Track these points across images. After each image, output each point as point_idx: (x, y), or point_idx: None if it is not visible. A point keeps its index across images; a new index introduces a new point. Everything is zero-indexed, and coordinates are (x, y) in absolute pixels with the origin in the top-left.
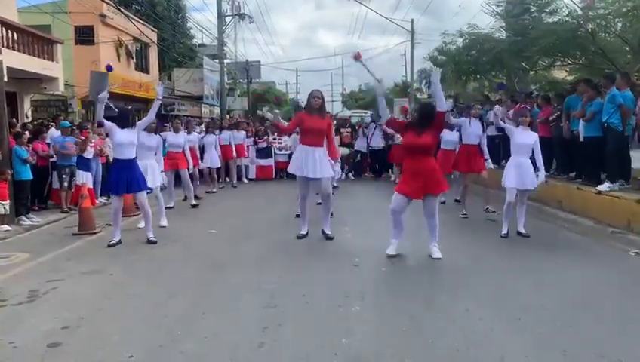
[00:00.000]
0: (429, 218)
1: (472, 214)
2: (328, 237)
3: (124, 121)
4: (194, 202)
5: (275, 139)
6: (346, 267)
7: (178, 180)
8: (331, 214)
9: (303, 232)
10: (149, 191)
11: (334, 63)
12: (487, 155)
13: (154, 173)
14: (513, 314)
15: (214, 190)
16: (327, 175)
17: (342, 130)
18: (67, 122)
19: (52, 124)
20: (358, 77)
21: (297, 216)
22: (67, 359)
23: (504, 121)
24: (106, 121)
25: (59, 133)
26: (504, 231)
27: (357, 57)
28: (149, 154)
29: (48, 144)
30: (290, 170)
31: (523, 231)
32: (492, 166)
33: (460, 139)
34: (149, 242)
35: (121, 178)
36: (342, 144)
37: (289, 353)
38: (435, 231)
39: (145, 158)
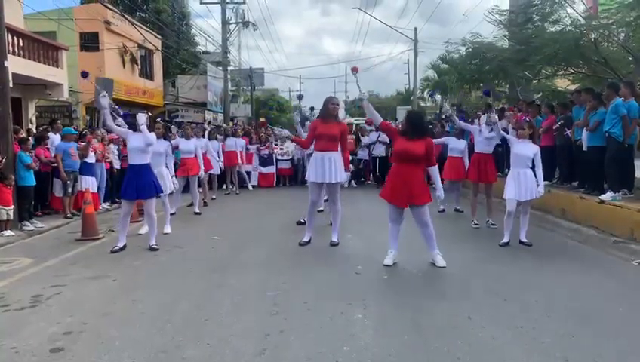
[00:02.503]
0: (422, 227)
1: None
2: (332, 244)
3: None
4: (197, 210)
5: (276, 144)
6: (349, 274)
7: (185, 187)
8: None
9: (306, 239)
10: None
11: (338, 71)
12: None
13: (162, 179)
14: (515, 323)
15: (213, 196)
16: (342, 179)
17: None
18: (71, 128)
19: (48, 128)
20: (361, 84)
21: (298, 223)
22: None
23: (507, 132)
24: (117, 128)
25: (57, 136)
26: (504, 241)
27: (354, 71)
28: (159, 160)
29: (49, 149)
30: (308, 178)
31: (525, 240)
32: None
33: (469, 148)
34: (151, 249)
35: (131, 183)
36: None
37: (291, 360)
38: (431, 239)
39: (154, 165)
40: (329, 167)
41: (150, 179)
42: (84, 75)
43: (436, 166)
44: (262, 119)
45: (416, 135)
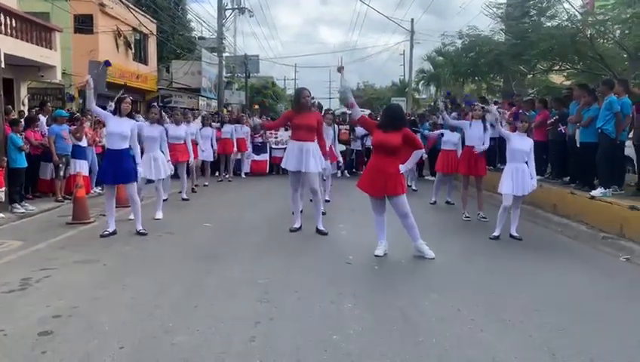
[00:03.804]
0: (402, 218)
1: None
2: (322, 233)
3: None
4: (185, 196)
5: (270, 133)
6: (340, 264)
7: (175, 172)
8: (323, 213)
9: (296, 226)
10: (149, 182)
11: (334, 60)
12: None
13: (157, 165)
14: (504, 316)
15: (206, 183)
16: (313, 169)
17: (340, 127)
18: (62, 110)
19: (38, 109)
20: (358, 74)
21: (293, 213)
22: (58, 348)
23: (501, 125)
24: (98, 109)
25: (46, 119)
26: (495, 234)
27: (340, 70)
28: (153, 145)
29: (40, 132)
30: (283, 164)
31: (516, 234)
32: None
33: (463, 141)
34: (139, 234)
35: (109, 168)
36: (339, 141)
37: (280, 348)
38: (413, 230)
39: (150, 150)
40: (305, 156)
41: (129, 165)
42: (107, 63)
43: (422, 150)
44: (256, 106)
45: (393, 127)
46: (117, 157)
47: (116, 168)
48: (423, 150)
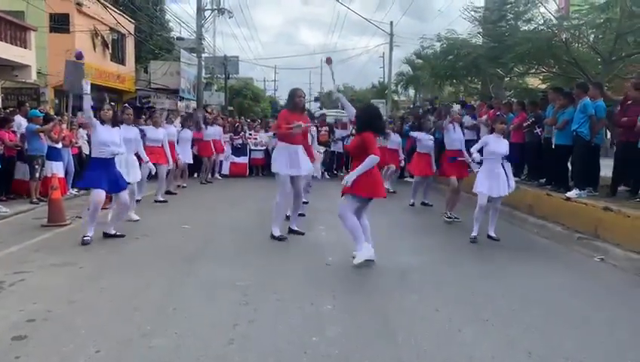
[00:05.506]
0: (363, 219)
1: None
2: (298, 233)
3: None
4: (160, 198)
5: (250, 134)
6: (320, 266)
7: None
8: (303, 215)
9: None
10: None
11: (313, 62)
12: (467, 158)
13: (130, 167)
14: (481, 316)
15: (184, 185)
16: (306, 172)
17: (320, 129)
18: (36, 111)
19: (17, 110)
20: (338, 76)
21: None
22: (32, 352)
23: (478, 129)
24: (93, 118)
25: (24, 120)
26: (473, 235)
27: (328, 62)
28: (128, 147)
29: (15, 132)
30: (274, 169)
31: (493, 235)
32: (476, 161)
33: (443, 145)
34: (116, 236)
35: (103, 175)
36: (319, 142)
37: (259, 350)
38: (368, 231)
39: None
40: (297, 159)
41: (118, 171)
42: (79, 56)
43: (371, 156)
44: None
45: (358, 129)
46: (109, 165)
47: (110, 176)
48: (371, 156)
